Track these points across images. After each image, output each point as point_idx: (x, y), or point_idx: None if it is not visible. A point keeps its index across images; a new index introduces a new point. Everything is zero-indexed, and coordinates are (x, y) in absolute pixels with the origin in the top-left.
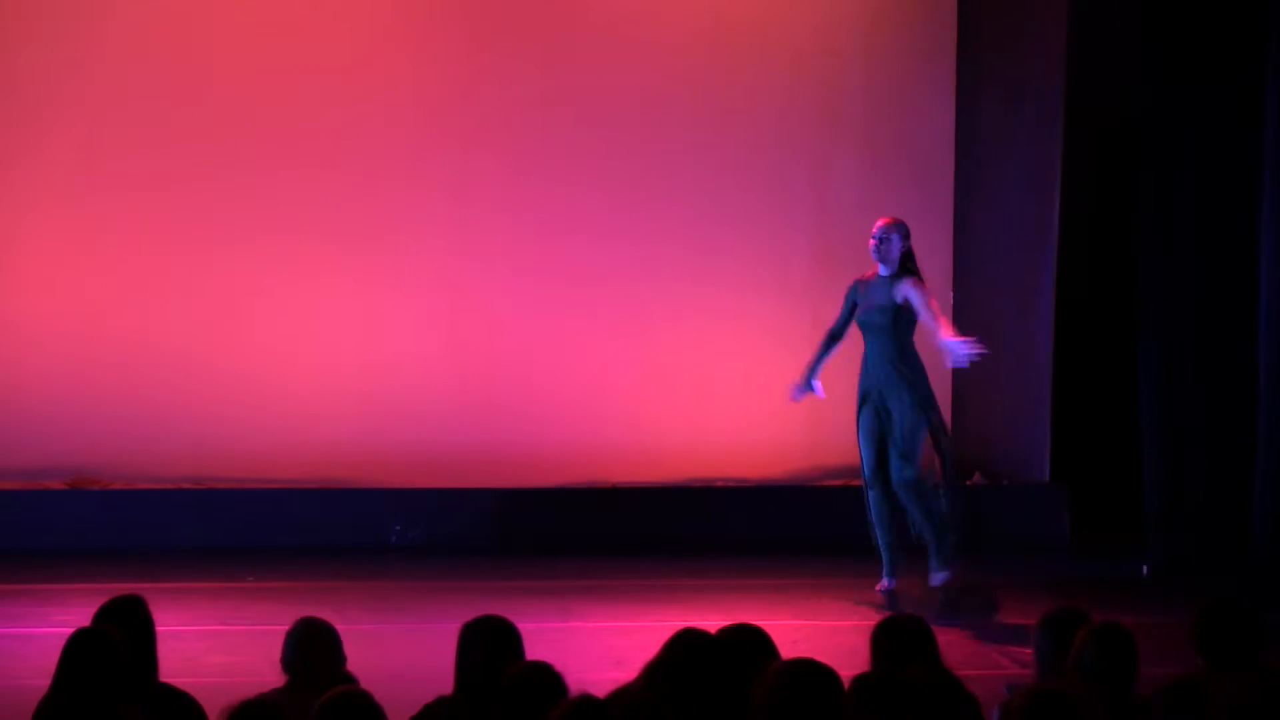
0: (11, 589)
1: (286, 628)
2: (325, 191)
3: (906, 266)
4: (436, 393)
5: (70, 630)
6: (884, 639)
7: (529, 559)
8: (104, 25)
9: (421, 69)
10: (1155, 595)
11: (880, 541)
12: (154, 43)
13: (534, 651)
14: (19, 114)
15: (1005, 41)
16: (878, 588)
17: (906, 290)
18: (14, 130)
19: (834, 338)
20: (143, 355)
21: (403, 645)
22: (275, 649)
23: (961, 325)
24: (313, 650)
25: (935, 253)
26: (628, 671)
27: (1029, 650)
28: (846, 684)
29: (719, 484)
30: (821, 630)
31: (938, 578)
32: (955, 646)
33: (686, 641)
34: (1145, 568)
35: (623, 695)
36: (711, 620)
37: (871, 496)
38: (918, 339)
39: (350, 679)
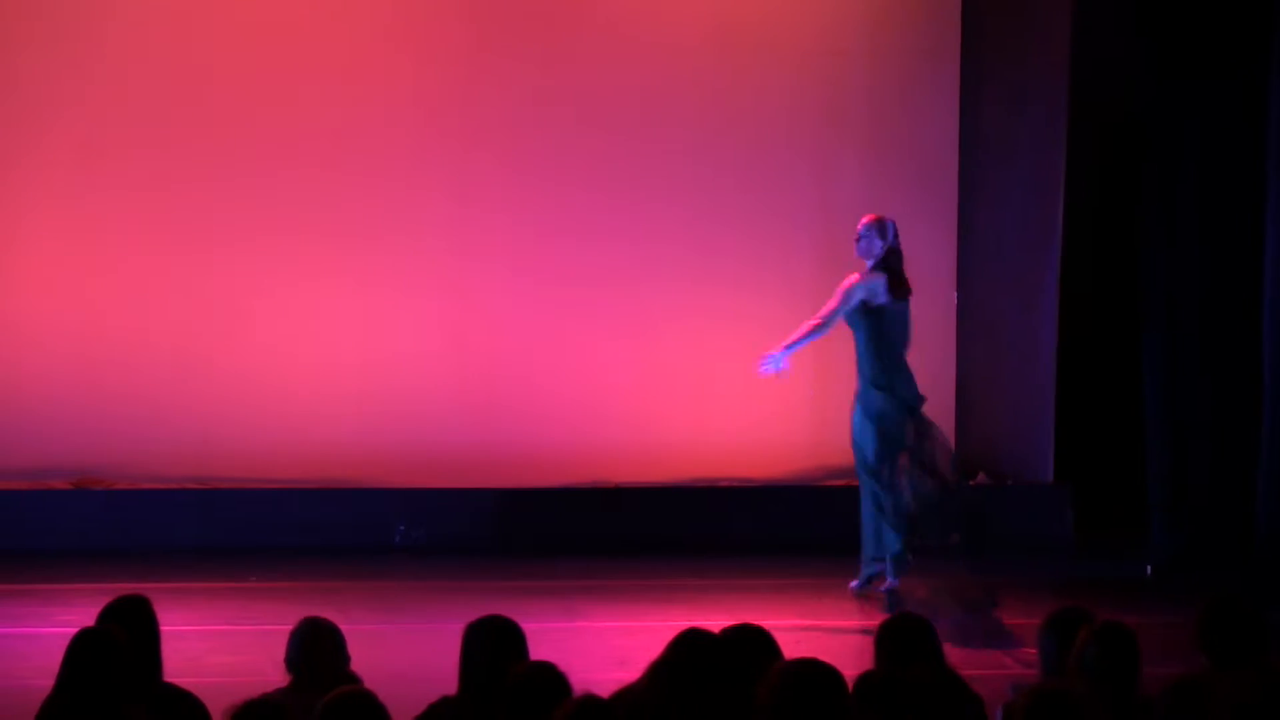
0: (15, 589)
1: (290, 627)
2: (326, 191)
3: (888, 264)
4: (438, 393)
5: (74, 630)
6: (888, 639)
7: (531, 559)
8: (104, 25)
9: (422, 69)
10: (1159, 594)
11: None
12: (154, 43)
13: (538, 651)
14: (19, 114)
15: (1009, 40)
16: (882, 588)
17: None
18: (14, 130)
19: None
20: (144, 355)
21: (406, 645)
22: (279, 649)
23: (965, 325)
24: (316, 650)
25: (939, 252)
26: (632, 671)
27: (1033, 650)
28: (850, 684)
29: (721, 484)
30: (825, 630)
31: (885, 584)
32: (959, 646)
33: (690, 641)
34: (1149, 567)
35: (626, 695)
36: (715, 620)
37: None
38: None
39: (354, 679)
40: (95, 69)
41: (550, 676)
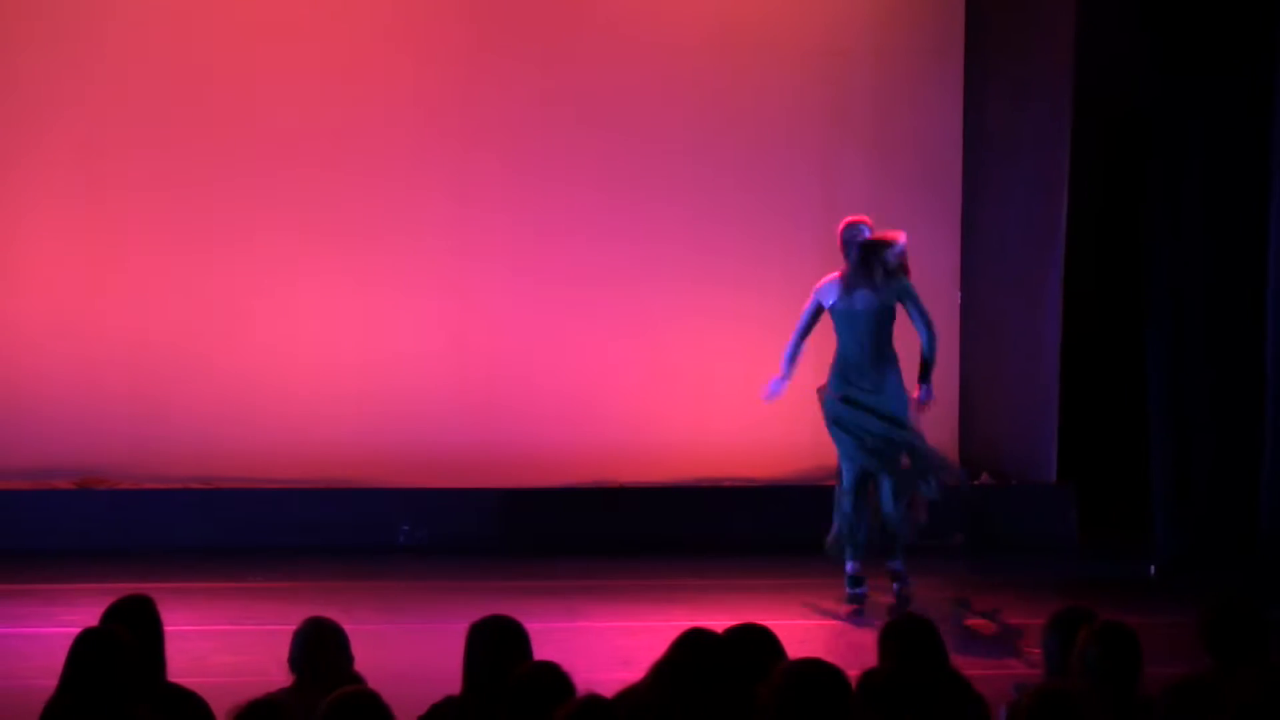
0: (17, 589)
1: (294, 627)
2: (326, 191)
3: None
4: (439, 393)
5: (76, 630)
6: (892, 639)
7: (532, 559)
8: (104, 25)
9: (422, 69)
10: (1162, 594)
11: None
12: (154, 43)
13: (541, 651)
14: (19, 114)
15: (1012, 38)
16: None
17: None
18: (14, 130)
19: None
20: (146, 355)
21: (409, 645)
22: (282, 649)
23: (968, 323)
24: (320, 650)
25: (942, 251)
26: (635, 671)
27: (1036, 650)
28: (854, 684)
29: (723, 484)
30: (828, 630)
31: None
32: (963, 646)
33: (693, 641)
34: (1153, 567)
35: (630, 695)
36: (718, 620)
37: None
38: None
39: (358, 679)
40: (95, 69)
41: (554, 676)
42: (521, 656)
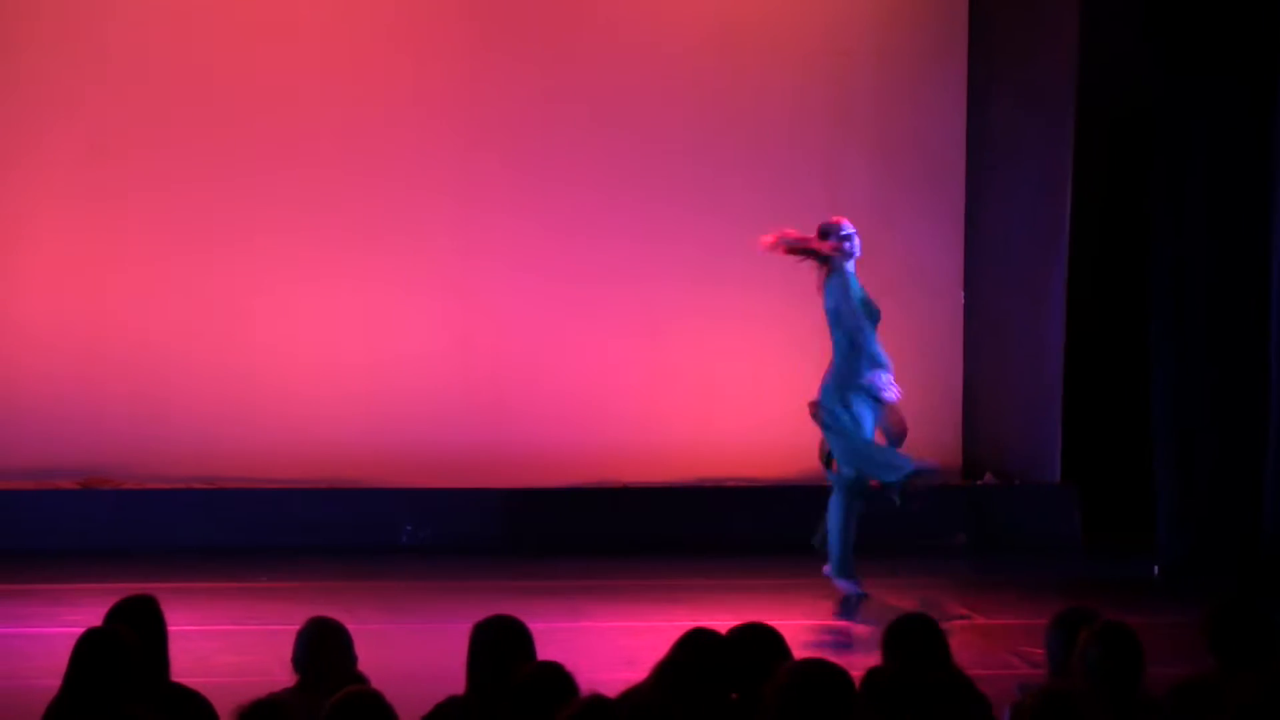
0: (20, 589)
1: (297, 627)
2: (329, 191)
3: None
4: (443, 392)
5: (80, 630)
6: (895, 639)
7: (537, 559)
8: (105, 26)
9: (424, 68)
10: (1166, 595)
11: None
12: (154, 43)
13: (544, 651)
14: (20, 114)
15: (1016, 39)
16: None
17: None
18: (15, 130)
19: None
20: (149, 355)
21: (413, 645)
22: (286, 649)
23: (972, 324)
24: (324, 650)
25: (946, 252)
26: (638, 671)
27: (1040, 650)
28: (858, 684)
29: (727, 484)
30: (831, 630)
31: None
32: (967, 646)
33: (697, 641)
34: (1156, 568)
35: (633, 695)
36: (721, 620)
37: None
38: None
39: (361, 679)
40: (96, 69)
41: (557, 676)
42: (525, 656)
